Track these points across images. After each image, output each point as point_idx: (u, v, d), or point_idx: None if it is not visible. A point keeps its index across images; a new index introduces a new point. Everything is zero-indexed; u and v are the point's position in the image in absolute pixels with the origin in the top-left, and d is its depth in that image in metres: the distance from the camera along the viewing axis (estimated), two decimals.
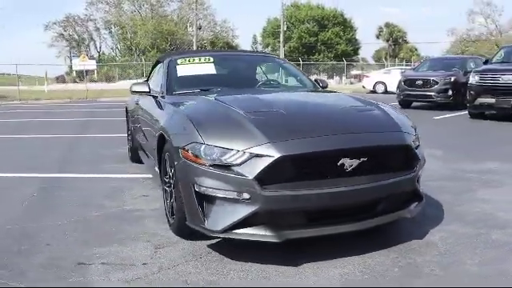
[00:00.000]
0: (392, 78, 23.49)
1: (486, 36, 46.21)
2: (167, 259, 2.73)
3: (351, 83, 34.17)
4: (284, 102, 3.30)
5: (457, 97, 12.18)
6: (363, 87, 24.94)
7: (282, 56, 31.98)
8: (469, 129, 9.20)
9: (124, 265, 2.67)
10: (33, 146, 7.38)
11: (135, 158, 5.51)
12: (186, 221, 2.80)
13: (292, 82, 4.54)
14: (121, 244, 2.99)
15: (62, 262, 2.73)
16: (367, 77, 26.12)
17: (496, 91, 9.45)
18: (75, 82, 35.99)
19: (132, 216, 3.60)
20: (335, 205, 2.62)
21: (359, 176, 2.63)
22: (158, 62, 5.17)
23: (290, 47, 49.59)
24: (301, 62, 31.51)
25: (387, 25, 57.76)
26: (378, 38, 59.23)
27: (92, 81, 32.02)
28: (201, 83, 4.05)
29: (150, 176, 4.82)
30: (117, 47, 46.69)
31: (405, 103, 13.17)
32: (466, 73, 12.65)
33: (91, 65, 30.17)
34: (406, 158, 2.88)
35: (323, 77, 33.55)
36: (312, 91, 4.14)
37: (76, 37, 46.71)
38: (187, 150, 2.70)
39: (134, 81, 28.60)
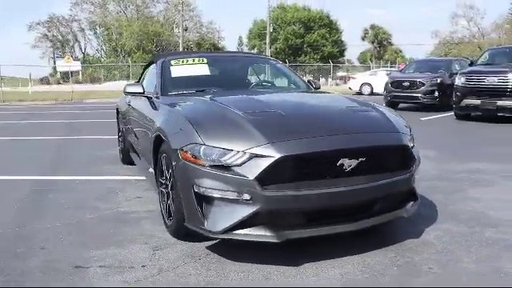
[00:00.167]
0: (378, 79, 23.79)
1: (469, 38, 47.05)
2: (166, 261, 2.72)
3: (337, 84, 34.42)
4: (281, 103, 3.31)
5: (443, 98, 12.37)
6: (350, 88, 25.16)
7: None
8: (455, 129, 9.35)
9: (123, 267, 2.65)
10: (21, 148, 7.27)
11: (126, 160, 5.47)
12: (185, 222, 2.79)
13: (285, 83, 4.55)
14: (118, 246, 2.96)
15: (59, 265, 2.69)
16: (353, 78, 26.38)
17: (481, 93, 9.62)
18: (59, 83, 35.54)
19: (127, 218, 3.57)
20: (334, 205, 2.64)
21: (358, 176, 2.65)
22: (150, 63, 5.14)
23: (276, 49, 49.73)
24: (287, 64, 31.60)
25: (372, 27, 58.37)
26: (363, 39, 59.82)
27: (77, 82, 31.66)
28: (195, 84, 4.04)
29: (143, 178, 4.79)
30: (102, 48, 46.27)
31: (392, 104, 13.29)
32: (452, 74, 12.86)
33: (76, 66, 29.91)
34: (402, 158, 2.91)
35: (309, 78, 33.64)
36: (307, 92, 4.16)
37: (60, 37, 46.11)
38: (186, 151, 2.69)
39: (120, 82, 28.35)
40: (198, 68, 4.21)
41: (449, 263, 2.66)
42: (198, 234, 2.76)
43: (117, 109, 5.83)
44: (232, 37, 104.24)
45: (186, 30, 41.52)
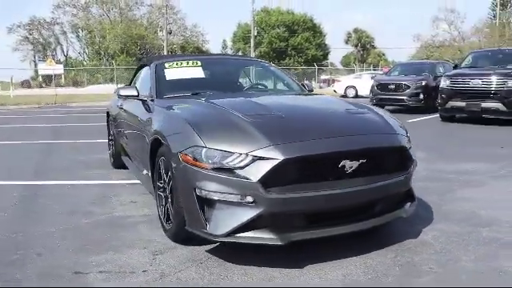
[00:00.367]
0: (362, 82, 24.08)
1: (450, 42, 47.91)
2: (167, 265, 2.69)
3: (320, 87, 34.64)
4: (280, 105, 3.32)
5: (428, 100, 12.58)
6: (334, 91, 25.36)
7: None
8: (441, 131, 9.50)
9: (123, 272, 2.61)
10: (7, 153, 7.12)
11: (118, 164, 5.41)
12: (186, 226, 2.77)
13: (279, 85, 4.57)
14: (117, 251, 2.92)
15: (58, 271, 2.64)
16: (338, 81, 26.64)
17: (466, 95, 9.81)
18: (42, 86, 34.99)
19: (124, 222, 3.52)
20: (336, 206, 2.65)
21: (358, 178, 2.67)
22: (141, 66, 5.11)
23: (260, 52, 49.92)
24: None
25: (356, 30, 59.02)
26: (346, 43, 60.43)
27: (59, 86, 31.20)
28: (190, 87, 4.02)
29: (136, 182, 4.75)
30: (84, 51, 45.69)
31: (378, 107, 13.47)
32: (436, 77, 13.11)
33: (58, 69, 29.41)
34: (401, 159, 2.95)
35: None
36: (302, 94, 4.18)
37: (42, 40, 45.41)
38: (187, 154, 2.67)
39: (104, 86, 28.08)
40: (192, 71, 4.20)
41: (448, 263, 2.70)
42: (199, 237, 2.75)
43: (107, 112, 5.76)
44: (216, 40, 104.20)
45: (170, 33, 41.32)
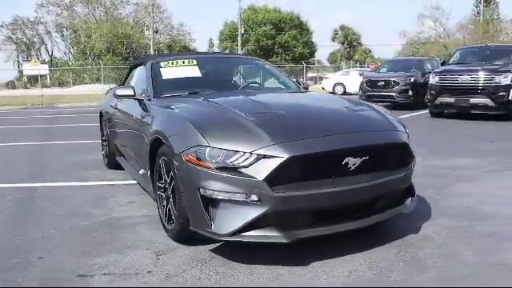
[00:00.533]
0: (350, 79, 24.25)
1: (435, 38, 48.37)
2: (172, 266, 2.68)
3: (308, 85, 34.71)
4: (280, 104, 3.31)
5: (416, 97, 12.70)
6: (323, 89, 25.48)
7: None
8: (432, 127, 9.60)
9: (128, 274, 2.59)
10: None
11: (112, 164, 5.36)
12: (190, 226, 2.75)
13: (275, 83, 4.57)
14: (119, 253, 2.90)
15: (61, 274, 2.61)
16: (326, 78, 26.77)
17: (455, 91, 9.94)
18: (26, 87, 34.44)
19: (123, 223, 3.49)
20: (341, 203, 2.67)
21: (361, 174, 2.69)
22: (135, 66, 5.06)
23: (247, 50, 49.79)
24: None
25: (342, 27, 59.22)
26: (333, 40, 60.59)
27: (45, 86, 30.75)
28: (186, 86, 4.00)
29: (132, 182, 4.72)
30: (70, 51, 45.10)
31: None
32: (424, 74, 13.25)
33: (44, 69, 29.02)
34: (402, 155, 2.98)
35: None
36: (300, 92, 4.19)
37: (25, 40, 44.70)
38: (190, 154, 2.65)
39: (90, 86, 27.67)
40: (189, 70, 4.17)
41: (451, 257, 2.74)
42: (203, 237, 2.74)
43: (100, 112, 5.70)
44: (203, 39, 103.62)
45: (156, 32, 41.02)
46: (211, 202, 2.60)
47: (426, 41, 49.13)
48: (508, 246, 2.90)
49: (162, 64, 4.18)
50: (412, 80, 12.84)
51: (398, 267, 2.60)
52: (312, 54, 56.16)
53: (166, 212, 3.11)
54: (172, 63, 4.20)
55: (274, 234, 2.53)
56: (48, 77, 34.42)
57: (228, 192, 2.53)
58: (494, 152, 6.17)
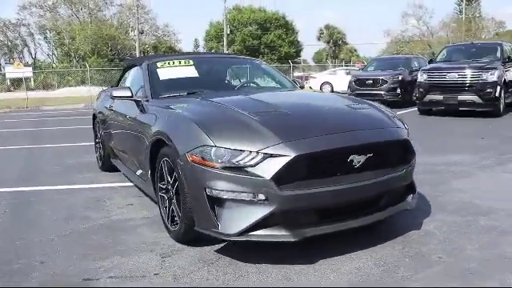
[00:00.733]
0: (338, 78, 24.39)
1: (419, 37, 48.99)
2: (178, 268, 2.66)
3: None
4: (283, 102, 3.31)
5: (404, 95, 12.85)
6: (310, 88, 25.54)
7: None
8: (421, 124, 9.69)
9: (134, 277, 2.56)
10: None
11: (106, 167, 5.30)
12: (195, 226, 2.73)
13: (272, 82, 4.57)
14: (123, 256, 2.86)
15: (66, 278, 2.57)
16: (314, 78, 26.83)
17: (443, 88, 10.06)
18: (10, 90, 33.83)
19: (124, 226, 3.45)
20: (346, 201, 2.68)
21: (366, 172, 2.71)
22: (130, 67, 5.02)
23: (233, 50, 49.72)
24: None
25: (327, 27, 59.56)
26: (318, 39, 60.90)
27: (29, 89, 30.26)
28: (184, 86, 3.97)
29: (128, 184, 4.68)
30: (53, 53, 44.44)
31: None
32: (411, 72, 13.40)
33: (27, 72, 28.54)
34: (404, 152, 3.00)
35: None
36: (300, 91, 4.20)
37: (7, 42, 43.89)
38: (195, 154, 2.64)
39: (75, 88, 27.23)
40: (186, 70, 4.15)
41: (455, 252, 2.77)
42: (208, 238, 2.73)
43: (94, 114, 5.63)
44: (189, 39, 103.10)
45: (141, 32, 40.69)
46: (217, 202, 2.59)
47: (410, 39, 49.72)
48: (509, 239, 2.94)
49: (159, 64, 4.15)
50: (400, 78, 12.97)
51: (404, 263, 2.62)
52: (298, 53, 56.35)
53: (168, 213, 3.08)
54: (169, 63, 4.17)
55: (282, 232, 2.53)
56: (32, 79, 33.89)
57: (235, 191, 2.52)
58: (485, 148, 6.27)
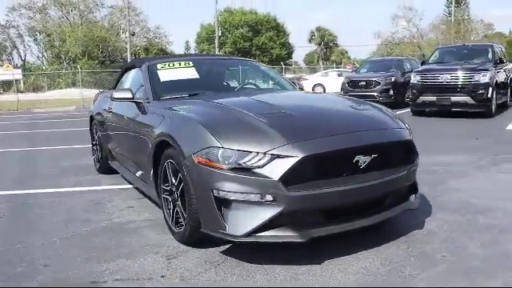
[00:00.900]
0: (329, 80, 24.56)
1: (409, 38, 49.43)
2: (185, 269, 2.65)
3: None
4: (287, 104, 3.32)
5: (397, 96, 12.95)
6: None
7: None
8: (415, 125, 9.59)
9: (141, 279, 2.56)
10: None
11: (104, 169, 5.28)
12: (201, 228, 2.73)
13: (272, 84, 4.59)
14: (128, 258, 2.85)
15: (72, 282, 2.55)
16: (306, 79, 26.93)
17: (436, 90, 10.16)
18: None
19: (126, 228, 3.44)
20: (352, 201, 2.70)
21: (371, 172, 2.73)
22: (128, 69, 5.00)
23: (225, 52, 49.74)
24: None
25: (318, 29, 59.86)
26: (310, 41, 61.19)
27: (19, 91, 29.96)
28: (185, 88, 3.97)
29: (127, 186, 4.67)
30: (43, 55, 44.06)
31: None
32: (404, 73, 13.52)
33: (17, 74, 28.26)
34: (408, 152, 3.04)
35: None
36: (301, 93, 4.22)
37: None
38: (202, 156, 2.64)
39: (65, 90, 26.97)
40: (186, 71, 4.15)
41: (458, 250, 2.80)
42: (215, 239, 2.74)
43: (91, 116, 5.59)
44: (180, 41, 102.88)
45: (133, 34, 40.50)
46: (225, 204, 2.59)
47: (400, 41, 50.13)
48: (509, 238, 2.99)
49: (159, 66, 4.14)
50: (393, 80, 13.07)
51: (409, 262, 2.65)
52: (289, 55, 56.57)
53: (172, 215, 3.08)
54: (169, 65, 4.17)
55: (289, 233, 2.54)
56: (22, 82, 33.57)
57: (242, 193, 2.52)
58: (479, 148, 6.35)
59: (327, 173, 2.60)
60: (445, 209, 3.63)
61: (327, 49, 60.08)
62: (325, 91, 23.80)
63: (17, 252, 3.02)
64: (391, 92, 12.94)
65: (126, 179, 4.79)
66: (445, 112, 10.24)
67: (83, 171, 5.59)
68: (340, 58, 57.35)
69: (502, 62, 11.11)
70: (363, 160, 2.66)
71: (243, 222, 2.55)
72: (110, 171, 5.14)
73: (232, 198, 2.56)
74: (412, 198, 3.11)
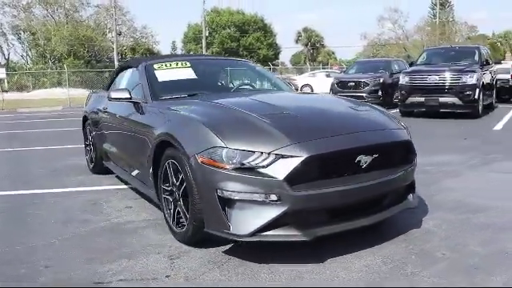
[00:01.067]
0: (317, 80, 24.66)
1: (395, 40, 49.97)
2: (189, 269, 2.65)
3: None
4: (288, 105, 3.32)
5: (385, 97, 13.09)
6: None
7: None
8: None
9: (146, 279, 2.55)
10: None
11: (97, 169, 5.23)
12: (205, 228, 2.74)
13: (268, 85, 4.61)
14: (130, 258, 2.84)
15: (75, 282, 2.54)
16: (294, 80, 27.04)
17: (425, 91, 10.31)
18: None
19: (126, 229, 3.42)
20: (354, 200, 2.73)
21: (372, 172, 2.77)
22: (124, 68, 4.97)
23: (212, 52, 49.64)
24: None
25: (305, 30, 60.11)
26: (296, 42, 61.43)
27: (3, 90, 29.45)
28: (183, 88, 3.96)
29: (123, 186, 4.65)
30: (27, 54, 43.39)
31: None
32: (392, 74, 13.67)
33: (1, 73, 27.79)
34: (407, 152, 3.09)
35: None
36: (299, 94, 4.26)
37: None
38: (205, 156, 2.65)
39: (51, 90, 26.56)
40: (183, 72, 4.14)
41: (457, 248, 2.86)
42: (217, 239, 2.75)
43: (84, 116, 5.53)
44: (167, 41, 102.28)
45: (119, 34, 40.15)
46: (229, 203, 2.60)
47: (386, 42, 50.65)
48: (506, 236, 3.06)
49: (156, 66, 4.13)
50: (381, 81, 13.21)
51: (410, 260, 2.69)
52: (276, 55, 56.70)
53: (173, 215, 3.08)
54: (166, 65, 4.16)
55: (294, 232, 2.56)
56: (6, 81, 33.00)
57: (247, 192, 2.54)
58: (469, 148, 6.46)
59: (330, 172, 2.63)
60: (441, 208, 3.69)
61: (314, 50, 60.38)
62: (312, 92, 23.96)
63: (16, 253, 2.98)
64: (380, 93, 13.08)
65: (121, 179, 4.76)
66: (433, 112, 10.40)
67: (76, 172, 5.53)
68: (327, 58, 57.68)
69: (487, 63, 11.32)
70: (365, 160, 2.70)
71: (247, 221, 2.56)
72: (105, 171, 5.10)
73: (236, 198, 2.57)
74: (410, 197, 3.16)
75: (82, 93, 26.85)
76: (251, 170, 2.55)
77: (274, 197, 2.51)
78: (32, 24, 39.90)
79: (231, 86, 4.49)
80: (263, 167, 2.53)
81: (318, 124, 2.89)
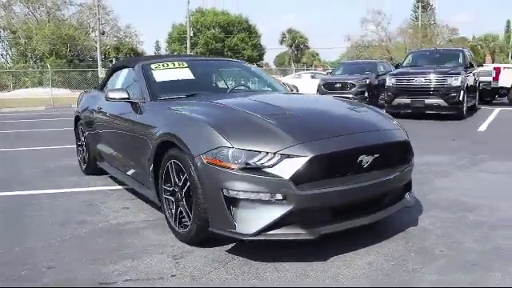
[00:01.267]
0: (303, 82, 24.67)
1: (378, 42, 50.59)
2: (194, 269, 2.67)
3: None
4: (289, 105, 3.36)
5: (372, 98, 13.27)
6: None
7: None
8: None
9: (151, 279, 2.56)
10: None
11: (90, 170, 5.19)
12: (210, 227, 2.76)
13: (265, 86, 4.64)
14: (133, 259, 2.84)
15: (80, 283, 2.53)
16: (279, 81, 27.15)
17: (411, 92, 10.50)
18: None
19: (125, 229, 3.42)
20: (356, 199, 2.79)
21: (373, 171, 2.83)
22: (118, 68, 4.95)
23: (196, 53, 49.48)
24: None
25: (290, 31, 60.45)
26: (281, 43, 61.73)
27: None
28: (181, 88, 3.97)
29: (118, 187, 4.63)
30: (7, 53, 42.57)
31: None
32: (378, 76, 13.87)
33: None
34: (405, 152, 3.16)
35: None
36: (298, 95, 4.31)
37: None
38: (211, 156, 2.67)
39: (32, 90, 26.09)
40: (181, 72, 4.15)
41: (454, 245, 2.94)
42: (222, 238, 2.77)
43: (77, 116, 5.48)
44: (151, 41, 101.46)
45: (103, 33, 39.69)
46: (234, 203, 2.63)
47: (369, 44, 51.23)
48: (499, 233, 3.15)
49: (153, 66, 4.13)
50: (367, 82, 13.40)
51: (410, 257, 2.76)
52: (261, 56, 56.89)
53: (176, 215, 3.09)
54: (163, 65, 4.16)
55: (298, 231, 2.61)
56: None
57: (253, 192, 2.57)
58: (458, 149, 6.61)
59: (334, 172, 2.68)
60: (436, 207, 3.78)
61: (298, 51, 60.73)
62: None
63: (16, 255, 2.95)
64: (366, 94, 13.27)
65: (115, 180, 4.74)
66: (419, 114, 10.58)
67: (68, 172, 5.47)
68: (311, 60, 58.10)
69: (471, 66, 11.58)
70: (366, 160, 2.76)
71: (253, 220, 2.59)
72: (98, 172, 5.07)
73: (242, 197, 2.60)
74: (407, 196, 3.23)
75: (65, 93, 26.49)
76: (257, 169, 2.58)
77: (279, 196, 2.54)
78: (12, 22, 39.14)
79: (228, 86, 4.51)
80: (269, 167, 2.56)
81: (321, 124, 2.94)
